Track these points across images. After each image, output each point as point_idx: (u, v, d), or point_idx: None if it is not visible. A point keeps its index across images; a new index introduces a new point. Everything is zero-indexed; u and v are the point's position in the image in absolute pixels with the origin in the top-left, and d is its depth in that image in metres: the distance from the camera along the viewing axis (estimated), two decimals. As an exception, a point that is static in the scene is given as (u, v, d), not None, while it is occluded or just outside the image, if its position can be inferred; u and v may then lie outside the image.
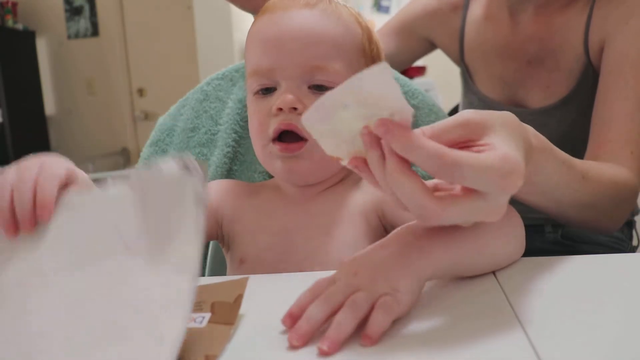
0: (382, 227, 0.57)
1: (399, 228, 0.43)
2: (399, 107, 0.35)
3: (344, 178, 0.60)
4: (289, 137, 0.54)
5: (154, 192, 0.38)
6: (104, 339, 0.33)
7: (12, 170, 0.42)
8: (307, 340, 0.35)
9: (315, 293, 0.38)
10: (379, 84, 0.34)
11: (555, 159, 0.50)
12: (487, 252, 0.45)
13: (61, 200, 0.41)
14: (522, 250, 0.48)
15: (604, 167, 0.64)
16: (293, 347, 0.34)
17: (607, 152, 0.70)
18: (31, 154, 0.45)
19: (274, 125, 0.54)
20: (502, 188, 0.36)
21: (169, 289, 0.33)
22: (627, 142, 0.70)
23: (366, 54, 0.58)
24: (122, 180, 0.40)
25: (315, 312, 0.36)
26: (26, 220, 0.40)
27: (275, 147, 0.54)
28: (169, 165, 0.37)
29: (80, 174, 0.46)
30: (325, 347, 0.33)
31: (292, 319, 0.37)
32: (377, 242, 0.42)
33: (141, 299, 0.34)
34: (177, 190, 0.36)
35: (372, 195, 0.57)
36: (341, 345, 0.34)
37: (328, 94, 0.35)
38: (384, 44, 1.02)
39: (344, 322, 0.35)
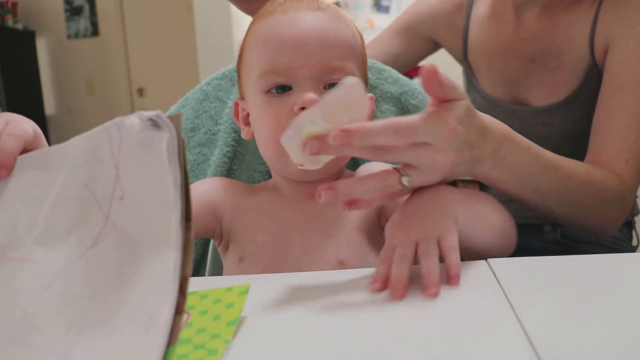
0: (377, 219, 0.58)
1: (414, 193, 0.50)
2: (360, 115, 0.44)
3: (340, 177, 0.61)
4: None
5: (122, 148, 0.34)
6: (92, 322, 0.31)
7: None
8: (406, 292, 0.41)
9: (387, 262, 0.44)
10: (349, 98, 0.43)
11: (517, 143, 0.54)
12: (481, 217, 0.52)
13: (25, 157, 0.40)
14: (512, 227, 0.54)
15: (578, 163, 0.65)
16: (397, 300, 0.41)
17: (603, 159, 0.71)
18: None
19: None
20: (447, 139, 0.45)
21: (153, 264, 0.31)
22: (622, 150, 0.71)
23: (364, 57, 0.61)
24: (86, 135, 0.37)
25: (400, 270, 0.42)
26: None
27: None
28: (132, 121, 0.33)
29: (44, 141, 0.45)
30: (432, 292, 0.40)
31: (381, 282, 0.43)
32: (405, 204, 0.49)
33: (125, 276, 0.32)
34: (147, 148, 0.32)
35: None
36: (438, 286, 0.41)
37: (302, 114, 0.43)
38: (390, 45, 1.03)
39: (432, 267, 0.42)
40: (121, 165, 0.34)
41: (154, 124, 0.33)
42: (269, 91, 0.55)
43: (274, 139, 0.55)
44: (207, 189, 0.62)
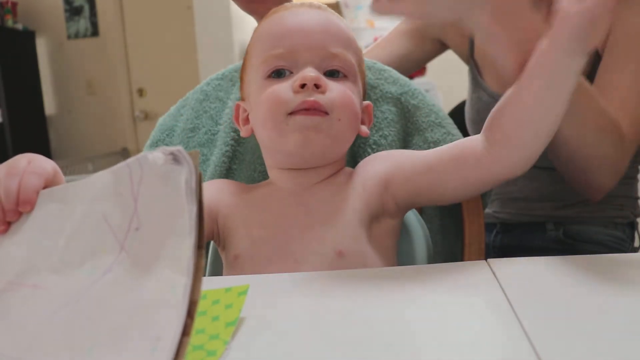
0: (382, 206, 0.57)
1: None
2: None
3: (339, 171, 0.61)
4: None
5: (142, 183, 0.36)
6: (100, 342, 0.32)
7: (2, 167, 0.43)
8: None
9: None
10: None
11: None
12: None
13: (47, 192, 0.41)
14: None
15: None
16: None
17: None
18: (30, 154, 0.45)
19: (296, 101, 0.54)
20: None
21: (163, 288, 0.32)
22: (625, 113, 0.70)
23: (361, 58, 0.62)
24: (108, 172, 0.38)
25: None
26: (10, 211, 0.41)
27: (297, 118, 0.54)
28: (155, 156, 0.35)
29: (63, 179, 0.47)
30: None
31: None
32: None
33: (135, 300, 0.33)
34: (167, 182, 0.34)
35: (376, 171, 0.58)
36: None
37: None
38: (397, 46, 1.03)
39: None
40: (140, 198, 0.36)
41: (175, 158, 0.34)
42: (269, 76, 0.57)
43: (274, 115, 0.56)
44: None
